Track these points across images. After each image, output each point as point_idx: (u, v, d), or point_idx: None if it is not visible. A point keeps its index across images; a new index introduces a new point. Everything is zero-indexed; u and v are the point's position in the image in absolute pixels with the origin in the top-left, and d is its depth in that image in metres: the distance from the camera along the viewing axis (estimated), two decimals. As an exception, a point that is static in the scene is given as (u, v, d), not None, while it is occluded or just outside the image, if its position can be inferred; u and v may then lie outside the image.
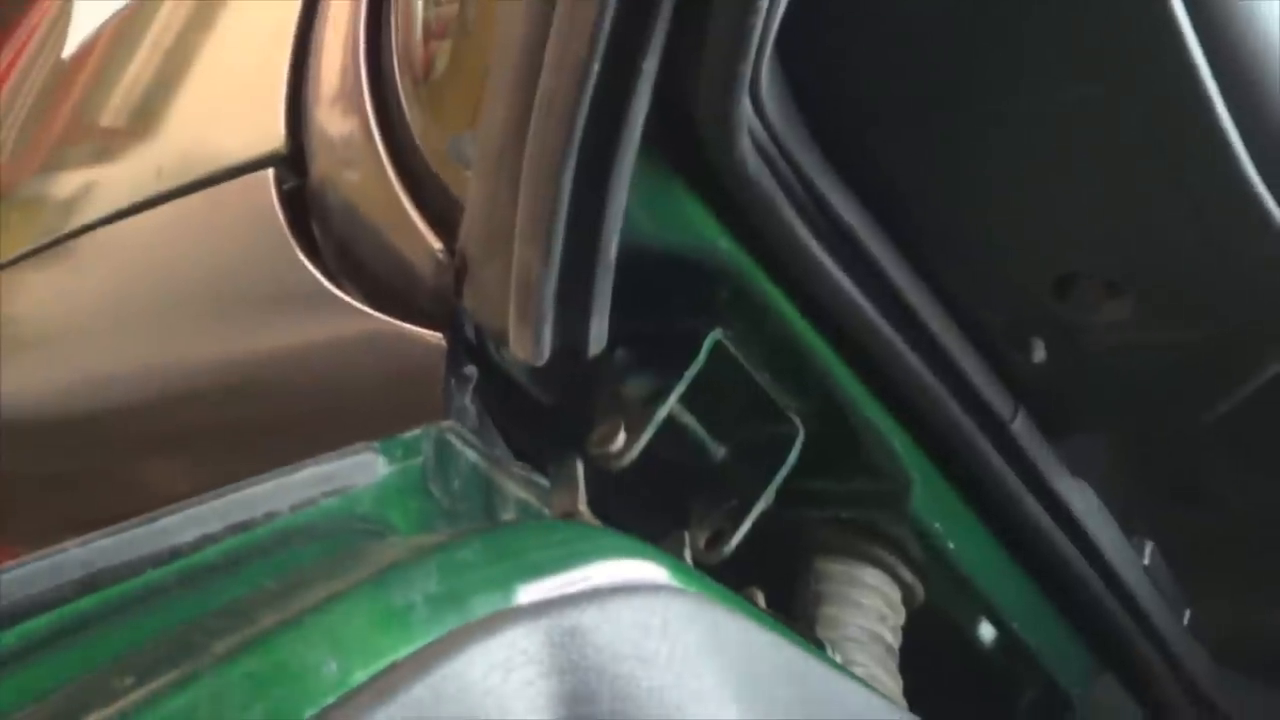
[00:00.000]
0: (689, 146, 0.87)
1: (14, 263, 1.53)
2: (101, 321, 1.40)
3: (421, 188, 1.00)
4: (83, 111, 1.66)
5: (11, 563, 0.70)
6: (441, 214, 0.98)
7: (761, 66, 0.83)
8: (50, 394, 1.47)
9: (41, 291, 1.51)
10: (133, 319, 1.35)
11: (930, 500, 1.11)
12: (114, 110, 1.55)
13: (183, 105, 1.39)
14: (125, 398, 1.34)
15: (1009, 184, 0.98)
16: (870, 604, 1.14)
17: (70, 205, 1.50)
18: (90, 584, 0.71)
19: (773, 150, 0.88)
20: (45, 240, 1.48)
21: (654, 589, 0.76)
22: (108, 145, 1.52)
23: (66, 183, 1.57)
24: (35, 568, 0.70)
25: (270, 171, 1.14)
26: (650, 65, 0.79)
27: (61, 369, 1.45)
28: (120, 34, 1.65)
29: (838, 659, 1.04)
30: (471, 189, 0.91)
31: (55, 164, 1.64)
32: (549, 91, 0.79)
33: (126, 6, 1.67)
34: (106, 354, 1.38)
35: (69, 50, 1.79)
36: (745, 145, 0.86)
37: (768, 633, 0.81)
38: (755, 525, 1.02)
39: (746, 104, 0.84)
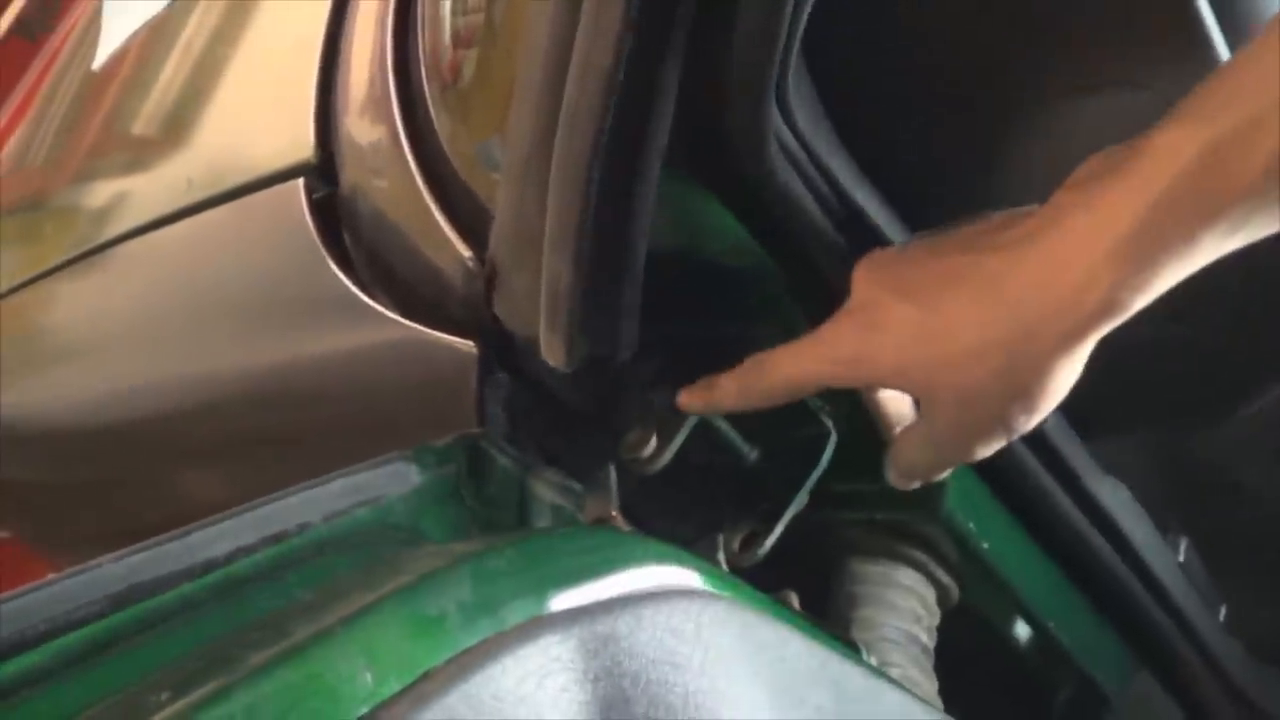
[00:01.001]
0: (718, 153, 0.87)
1: (51, 273, 1.54)
2: (137, 331, 1.41)
3: (450, 196, 1.00)
4: (114, 122, 1.67)
5: (47, 579, 0.70)
6: (471, 222, 0.98)
7: (788, 72, 0.83)
8: (88, 403, 1.48)
9: (78, 301, 1.53)
10: (167, 329, 1.35)
11: (964, 500, 1.11)
12: (144, 121, 1.55)
13: (212, 116, 1.39)
14: (161, 407, 1.35)
15: (1038, 184, 0.98)
16: (905, 605, 1.14)
17: (104, 215, 1.51)
18: (125, 599, 0.71)
19: (801, 155, 0.88)
20: (80, 250, 1.49)
21: (686, 594, 0.76)
22: (139, 156, 1.53)
23: (99, 193, 1.58)
24: (71, 583, 0.71)
25: (300, 181, 1.14)
26: (674, 72, 0.79)
27: (98, 378, 1.46)
28: (149, 45, 1.66)
29: (873, 660, 1.04)
30: (500, 197, 0.91)
31: (88, 174, 1.65)
32: (574, 101, 0.79)
33: (154, 18, 1.68)
34: (143, 364, 1.39)
35: (99, 62, 1.80)
36: (774, 152, 0.86)
37: (801, 636, 0.81)
38: (789, 527, 1.02)
39: (774, 110, 0.84)
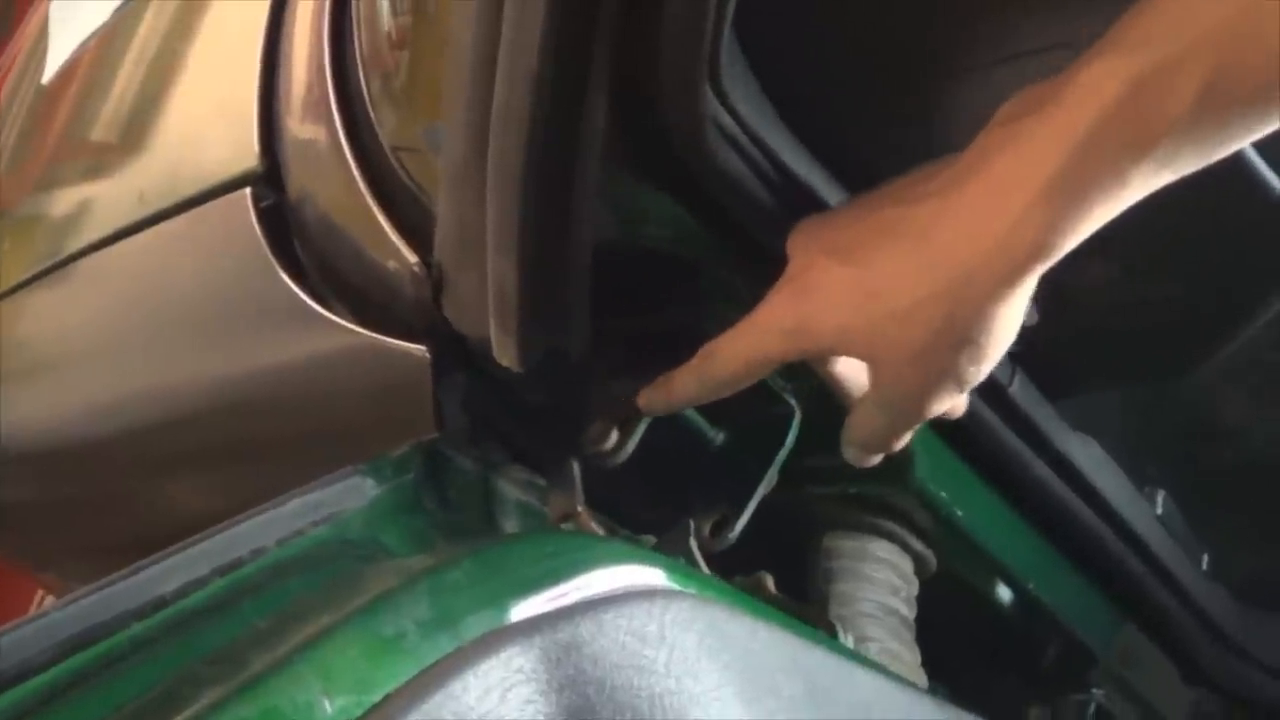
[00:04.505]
0: (656, 141, 0.86)
1: (15, 290, 1.54)
2: (103, 347, 1.40)
3: (394, 199, 1.00)
4: (68, 136, 1.66)
5: (-5, 630, 0.69)
6: (415, 226, 0.97)
7: (720, 54, 0.82)
8: (60, 420, 1.47)
9: (43, 317, 1.52)
10: (132, 343, 1.35)
11: (934, 469, 1.10)
12: (95, 136, 1.54)
13: (161, 127, 1.38)
14: (132, 422, 1.34)
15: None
16: (882, 577, 1.13)
17: (63, 230, 1.50)
18: (76, 644, 0.70)
19: (741, 137, 0.87)
20: (42, 266, 1.48)
21: (649, 594, 0.75)
22: (93, 170, 1.52)
23: (58, 208, 1.58)
24: (20, 633, 0.70)
25: (248, 190, 1.13)
26: (604, 67, 0.78)
27: (69, 395, 1.46)
28: (98, 58, 1.65)
29: (850, 638, 1.04)
30: (440, 202, 0.91)
31: (45, 189, 1.64)
32: (504, 103, 0.78)
33: (101, 30, 1.67)
34: (111, 379, 1.38)
35: (48, 75, 1.79)
36: (712, 136, 0.85)
37: (770, 627, 0.81)
38: (762, 507, 1.02)
39: (708, 94, 0.83)
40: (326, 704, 0.62)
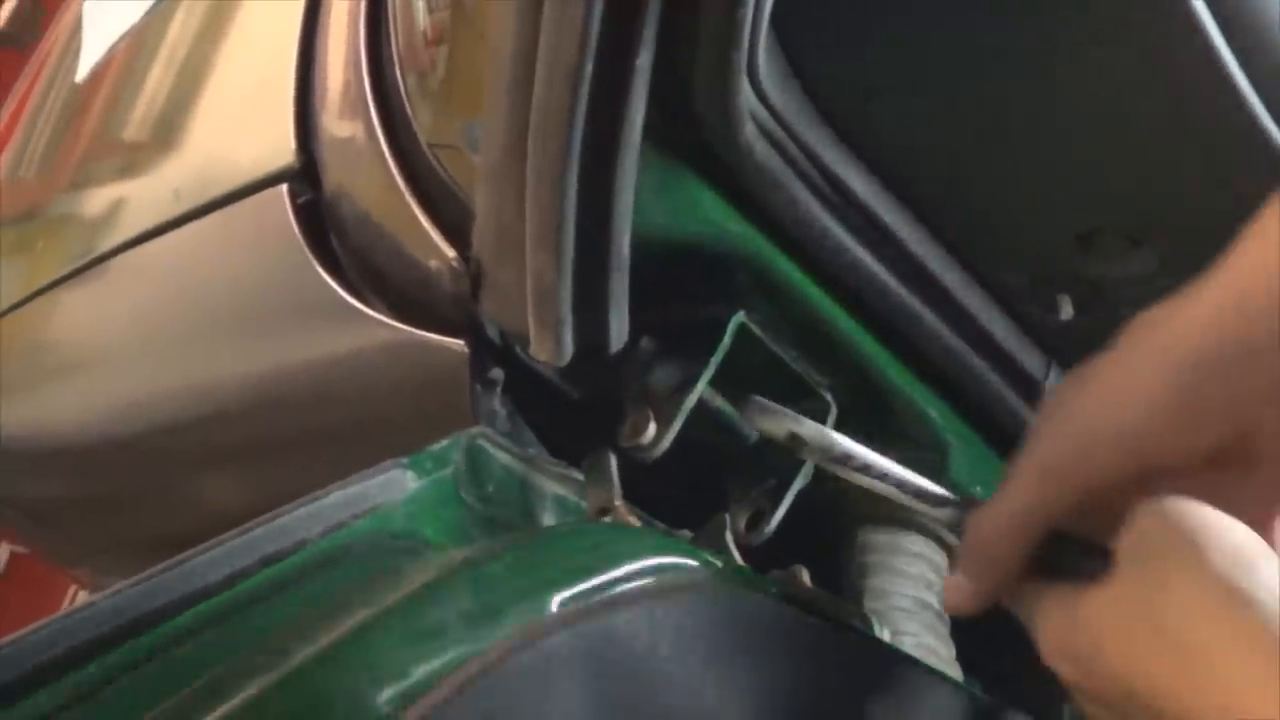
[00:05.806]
0: (694, 136, 0.86)
1: (48, 288, 1.54)
2: (137, 344, 1.41)
3: (431, 194, 1.00)
4: (101, 134, 1.66)
5: (44, 620, 0.70)
6: (453, 221, 0.98)
7: (758, 50, 0.82)
8: (94, 417, 1.48)
9: (77, 315, 1.53)
10: (166, 341, 1.35)
11: (969, 464, 1.10)
12: (131, 133, 1.55)
13: (195, 125, 1.39)
14: (166, 418, 1.35)
15: (1023, 147, 0.97)
16: (916, 571, 1.13)
17: (96, 228, 1.51)
18: (124, 633, 0.71)
19: (779, 132, 0.87)
20: (75, 265, 1.49)
21: (689, 587, 0.75)
22: (127, 168, 1.53)
23: (91, 206, 1.58)
24: (68, 622, 0.70)
25: (284, 187, 1.13)
26: (644, 62, 0.78)
27: (103, 392, 1.46)
28: (131, 56, 1.66)
29: (886, 632, 1.04)
30: (479, 197, 0.91)
31: (79, 187, 1.65)
32: (544, 99, 0.78)
33: (134, 28, 1.68)
34: (145, 376, 1.39)
35: (82, 74, 1.79)
36: (750, 131, 0.85)
37: (807, 620, 0.81)
38: (797, 501, 1.02)
39: (747, 90, 0.83)
40: (370, 693, 0.63)
